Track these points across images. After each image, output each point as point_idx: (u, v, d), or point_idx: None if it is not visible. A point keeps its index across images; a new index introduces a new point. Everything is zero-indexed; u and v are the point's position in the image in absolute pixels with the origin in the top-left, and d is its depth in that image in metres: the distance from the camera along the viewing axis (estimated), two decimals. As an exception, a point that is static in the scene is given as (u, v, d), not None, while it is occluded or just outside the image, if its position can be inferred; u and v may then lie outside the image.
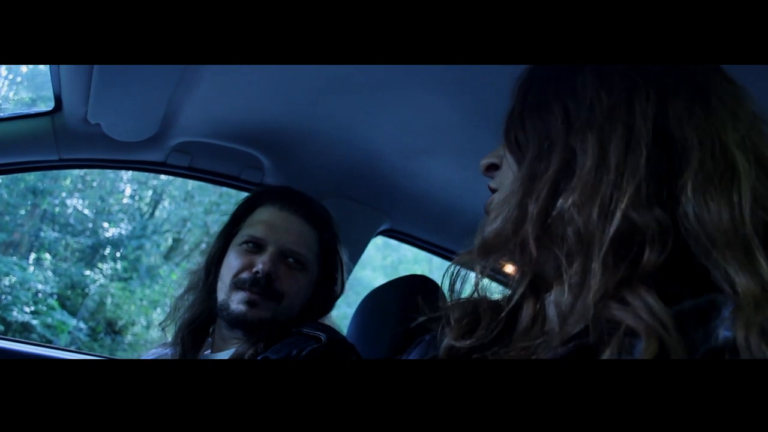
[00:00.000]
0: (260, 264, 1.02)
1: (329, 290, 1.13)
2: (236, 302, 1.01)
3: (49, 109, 1.22)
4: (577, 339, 0.46)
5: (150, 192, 6.93)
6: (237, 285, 1.03)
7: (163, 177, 6.49)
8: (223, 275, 1.06)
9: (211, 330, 1.11)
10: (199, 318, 1.09)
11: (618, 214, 0.46)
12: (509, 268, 0.63)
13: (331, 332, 0.99)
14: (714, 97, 0.51)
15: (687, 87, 0.51)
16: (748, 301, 0.40)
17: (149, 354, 1.18)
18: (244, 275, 1.03)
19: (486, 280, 0.59)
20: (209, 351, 1.09)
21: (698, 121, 0.49)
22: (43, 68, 1.21)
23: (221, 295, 1.05)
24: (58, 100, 1.19)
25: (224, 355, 1.04)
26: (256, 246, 1.05)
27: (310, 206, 1.12)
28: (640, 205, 0.46)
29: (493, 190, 0.62)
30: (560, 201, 0.50)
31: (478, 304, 0.58)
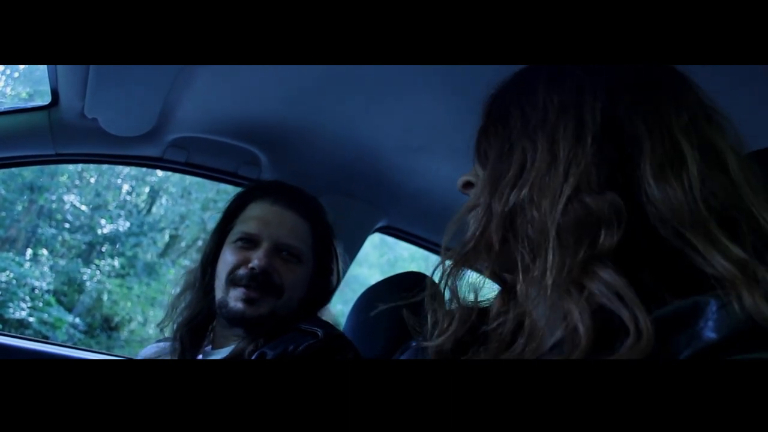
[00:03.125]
0: (256, 260, 1.02)
1: (326, 281, 1.13)
2: (234, 299, 1.01)
3: (46, 103, 1.22)
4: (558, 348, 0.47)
5: (147, 188, 6.92)
6: (233, 281, 1.02)
7: (160, 173, 6.48)
8: (219, 273, 1.06)
9: (210, 327, 1.11)
10: (197, 317, 1.09)
11: (567, 201, 0.49)
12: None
13: (329, 328, 1.00)
14: (659, 89, 0.54)
15: (633, 82, 0.54)
16: (732, 282, 0.42)
17: (151, 347, 1.18)
18: (241, 271, 1.02)
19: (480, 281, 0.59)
20: (210, 347, 1.09)
21: (646, 113, 0.51)
22: (40, 63, 1.21)
23: (219, 293, 1.05)
24: (54, 94, 1.19)
25: (224, 351, 1.04)
26: (250, 242, 1.05)
27: (301, 199, 1.12)
28: (591, 191, 0.49)
29: None
30: (517, 196, 0.52)
31: (465, 312, 0.59)
